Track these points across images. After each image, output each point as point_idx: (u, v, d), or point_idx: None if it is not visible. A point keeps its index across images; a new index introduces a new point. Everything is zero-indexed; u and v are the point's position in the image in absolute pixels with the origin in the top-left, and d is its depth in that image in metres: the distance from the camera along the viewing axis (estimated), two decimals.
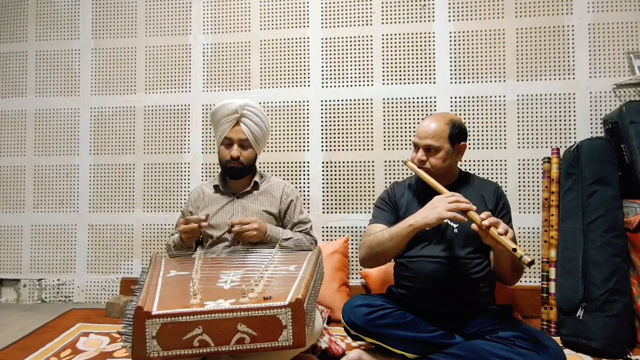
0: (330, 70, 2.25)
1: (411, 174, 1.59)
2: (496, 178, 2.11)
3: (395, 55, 2.21)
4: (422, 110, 2.18)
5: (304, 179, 2.25)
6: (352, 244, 2.19)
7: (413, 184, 1.57)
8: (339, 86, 2.25)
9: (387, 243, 1.36)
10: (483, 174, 2.11)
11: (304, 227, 1.66)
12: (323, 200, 2.23)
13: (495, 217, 1.20)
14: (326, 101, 2.25)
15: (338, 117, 2.24)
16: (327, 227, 2.22)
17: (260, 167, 1.72)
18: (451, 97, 2.16)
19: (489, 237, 1.19)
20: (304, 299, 0.99)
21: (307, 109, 2.26)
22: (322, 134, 2.25)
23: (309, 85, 2.26)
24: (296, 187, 2.09)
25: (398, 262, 1.53)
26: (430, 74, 2.18)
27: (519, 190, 2.10)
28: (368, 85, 2.22)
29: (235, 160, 1.58)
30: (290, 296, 1.00)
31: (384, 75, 2.21)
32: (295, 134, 2.27)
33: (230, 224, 1.51)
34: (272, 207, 1.64)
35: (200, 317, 0.95)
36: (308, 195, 2.24)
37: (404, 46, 2.21)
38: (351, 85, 2.24)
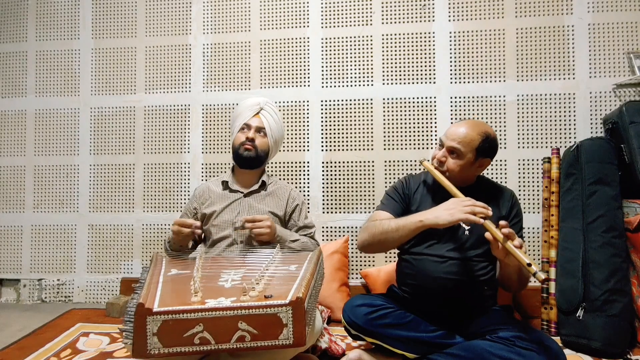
0: (330, 70, 2.25)
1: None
2: (496, 178, 2.11)
3: (395, 55, 2.21)
4: (422, 110, 2.18)
5: (304, 179, 2.25)
6: (352, 244, 2.18)
7: (428, 181, 1.54)
8: (339, 86, 2.25)
9: (391, 233, 1.34)
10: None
11: (308, 231, 1.67)
12: (323, 200, 2.23)
13: (510, 229, 1.18)
14: (326, 101, 2.25)
15: (338, 117, 2.24)
16: (327, 227, 2.22)
17: None
18: (451, 97, 2.16)
19: (500, 249, 1.17)
20: (304, 298, 0.99)
21: (307, 109, 2.26)
22: (322, 134, 2.25)
23: (309, 85, 2.26)
24: (296, 187, 2.09)
25: (403, 258, 1.51)
26: (430, 74, 2.19)
27: (519, 190, 2.10)
28: (368, 85, 2.22)
29: (250, 142, 1.61)
30: (291, 295, 1.00)
31: (384, 75, 2.21)
32: (295, 134, 2.27)
33: (242, 220, 1.51)
34: (278, 209, 1.64)
35: (201, 315, 0.95)
36: (308, 195, 2.24)
37: (404, 46, 2.21)
38: (351, 85, 2.24)
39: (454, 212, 1.25)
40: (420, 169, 2.12)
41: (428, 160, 1.51)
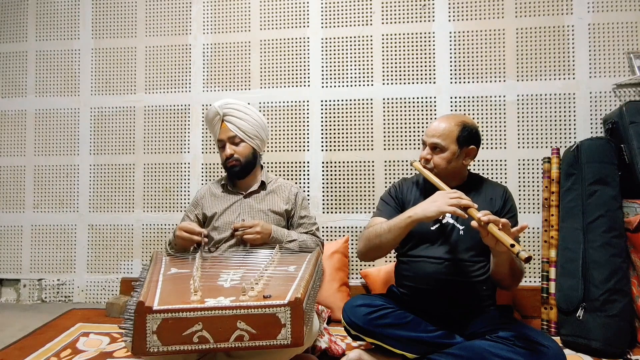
0: (330, 70, 2.25)
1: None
2: (496, 178, 2.11)
3: (395, 55, 2.21)
4: (422, 110, 2.18)
5: (304, 179, 2.25)
6: (352, 244, 2.18)
7: (420, 182, 1.57)
8: (339, 86, 2.25)
9: (385, 235, 1.35)
10: (483, 173, 2.10)
11: (309, 221, 1.69)
12: (323, 200, 2.23)
13: (494, 216, 1.19)
14: (326, 101, 2.25)
15: (338, 117, 2.24)
16: (327, 227, 2.22)
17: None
18: (451, 97, 2.16)
19: (489, 235, 1.18)
20: (303, 299, 0.99)
21: (307, 109, 2.26)
22: (322, 134, 2.25)
23: (309, 85, 2.26)
24: None
25: (400, 261, 1.53)
26: (430, 74, 2.18)
27: (519, 190, 2.10)
28: (368, 85, 2.22)
29: (231, 159, 1.59)
30: (290, 295, 1.00)
31: (384, 75, 2.21)
32: (295, 134, 2.27)
33: (232, 228, 1.51)
34: (279, 206, 1.64)
35: (200, 314, 0.95)
36: (308, 195, 2.24)
37: (404, 46, 2.21)
38: (351, 85, 2.24)
39: (440, 204, 1.26)
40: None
41: (417, 161, 1.52)
